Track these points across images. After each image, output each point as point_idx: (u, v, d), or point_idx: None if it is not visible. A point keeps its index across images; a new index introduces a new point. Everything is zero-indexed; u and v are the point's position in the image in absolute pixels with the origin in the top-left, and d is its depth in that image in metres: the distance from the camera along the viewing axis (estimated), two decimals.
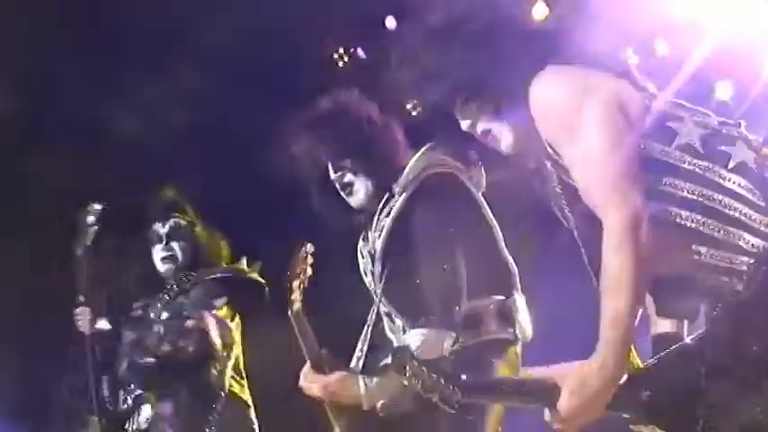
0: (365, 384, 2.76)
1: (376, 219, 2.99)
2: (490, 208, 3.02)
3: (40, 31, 4.98)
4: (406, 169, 2.96)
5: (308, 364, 2.84)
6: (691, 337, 2.21)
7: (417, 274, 2.84)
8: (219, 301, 3.99)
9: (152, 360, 3.88)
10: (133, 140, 5.05)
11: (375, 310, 2.96)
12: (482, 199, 3.01)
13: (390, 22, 5.54)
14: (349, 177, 3.00)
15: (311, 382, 2.81)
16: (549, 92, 2.16)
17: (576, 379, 2.04)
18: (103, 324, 3.90)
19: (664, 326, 2.37)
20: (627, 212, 2.03)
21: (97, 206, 4.01)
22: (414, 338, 2.75)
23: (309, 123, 3.06)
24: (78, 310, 3.89)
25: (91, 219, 3.97)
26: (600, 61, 2.21)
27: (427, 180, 2.93)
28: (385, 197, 2.98)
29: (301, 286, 2.84)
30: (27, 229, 5.13)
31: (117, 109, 5.01)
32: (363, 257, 3.10)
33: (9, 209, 5.17)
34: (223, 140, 5.24)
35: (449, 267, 2.81)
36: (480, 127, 2.30)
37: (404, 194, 2.93)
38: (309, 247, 2.87)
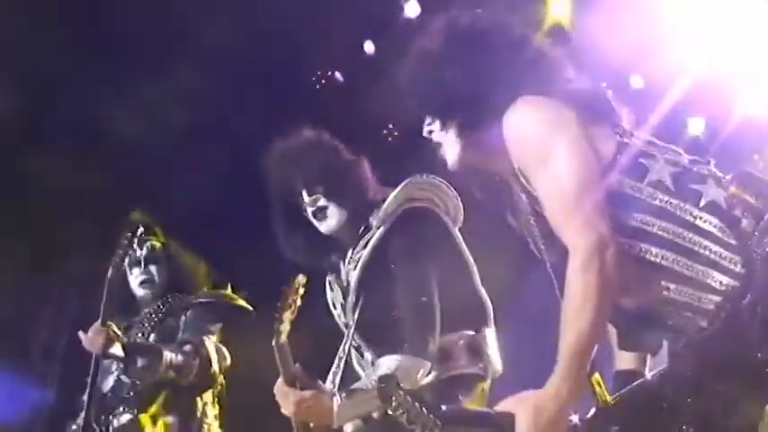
0: (338, 402, 2.74)
1: (350, 252, 3.02)
2: (466, 242, 3.05)
3: (40, 30, 5.00)
4: (386, 203, 2.98)
5: (280, 380, 2.82)
6: (652, 372, 2.24)
7: (393, 306, 2.86)
8: (215, 327, 4.00)
9: (148, 383, 3.87)
10: (131, 144, 5.09)
11: (347, 342, 2.97)
12: (458, 234, 3.05)
13: (369, 47, 5.67)
14: (323, 202, 3.02)
15: (284, 396, 2.78)
16: (521, 122, 2.19)
17: (531, 407, 2.05)
18: (117, 349, 3.78)
19: (627, 361, 2.39)
20: (593, 238, 2.05)
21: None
22: (389, 364, 2.76)
23: (284, 152, 3.12)
24: (93, 329, 3.77)
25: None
26: (574, 94, 2.25)
27: (405, 213, 2.96)
28: (361, 230, 3.01)
29: (291, 318, 2.80)
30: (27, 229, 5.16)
31: (115, 110, 5.05)
32: (333, 290, 3.13)
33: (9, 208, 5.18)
34: (196, 168, 5.26)
35: (425, 299, 2.84)
36: (435, 138, 2.37)
37: (381, 228, 2.96)
38: (302, 279, 2.83)
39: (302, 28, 5.21)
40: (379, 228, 2.97)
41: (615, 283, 2.07)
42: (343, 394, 2.77)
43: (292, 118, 3.22)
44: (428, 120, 2.39)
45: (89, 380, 3.76)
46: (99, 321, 3.75)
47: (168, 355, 3.81)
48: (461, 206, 3.08)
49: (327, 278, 3.15)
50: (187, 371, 3.83)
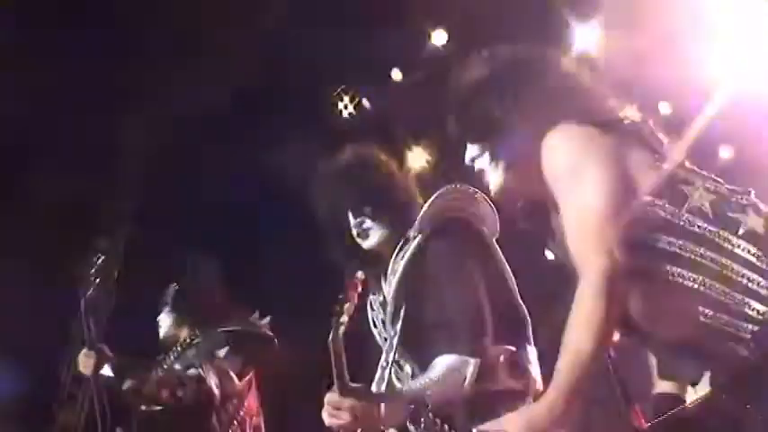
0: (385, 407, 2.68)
1: (390, 266, 3.04)
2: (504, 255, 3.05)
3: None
4: (421, 213, 3.00)
5: (334, 391, 2.72)
6: (693, 401, 2.21)
7: (438, 311, 2.85)
8: (222, 351, 4.01)
9: (152, 407, 3.89)
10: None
11: (391, 353, 2.93)
12: (495, 244, 3.06)
13: (396, 75, 5.69)
14: (368, 224, 3.07)
15: (338, 404, 2.68)
16: (557, 146, 2.22)
17: (523, 420, 2.08)
18: (107, 371, 3.83)
19: (668, 385, 2.38)
20: (607, 264, 2.07)
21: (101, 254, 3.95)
22: (445, 362, 2.75)
23: (333, 172, 3.16)
24: (83, 354, 3.82)
25: (94, 268, 3.90)
26: (615, 122, 2.28)
27: (443, 222, 2.98)
28: (399, 244, 3.04)
29: (351, 312, 2.77)
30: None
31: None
32: (374, 309, 3.14)
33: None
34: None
35: (474, 300, 2.84)
36: (478, 164, 2.42)
37: (419, 237, 2.98)
38: (361, 275, 2.84)
39: (328, 56, 5.25)
40: (416, 238, 2.99)
41: (621, 311, 2.09)
42: (389, 395, 2.74)
43: (318, 146, 3.23)
44: (471, 147, 2.42)
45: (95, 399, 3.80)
46: (86, 347, 3.79)
47: (156, 375, 3.88)
48: (497, 217, 3.08)
49: (369, 299, 3.15)
50: (180, 393, 3.82)
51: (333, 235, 3.16)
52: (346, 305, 2.74)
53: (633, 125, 2.31)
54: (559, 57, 2.43)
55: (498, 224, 3.10)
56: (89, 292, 3.84)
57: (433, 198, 3.03)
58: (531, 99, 2.32)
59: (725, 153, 5.23)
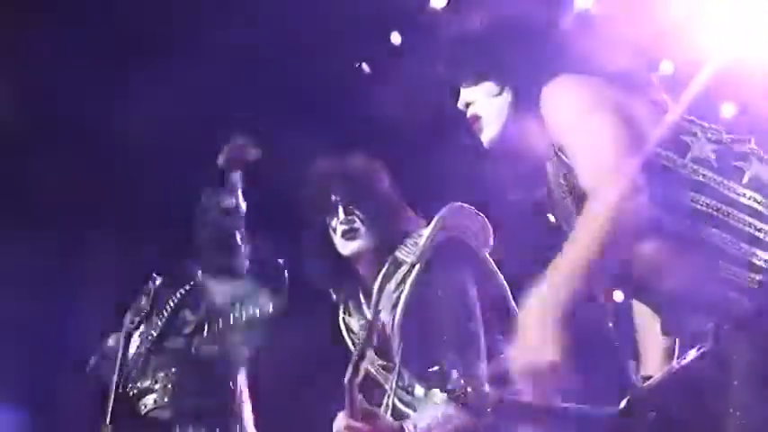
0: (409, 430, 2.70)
1: (377, 288, 2.97)
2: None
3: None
4: (421, 240, 2.95)
5: (343, 415, 2.70)
6: (690, 355, 2.20)
7: (439, 336, 2.85)
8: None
9: None
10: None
11: (394, 383, 2.92)
12: (488, 257, 3.06)
13: (396, 38, 5.63)
14: (357, 224, 3.02)
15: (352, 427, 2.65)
16: (561, 98, 2.20)
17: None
18: None
19: (652, 368, 2.39)
20: (624, 183, 2.00)
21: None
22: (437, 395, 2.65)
23: (331, 166, 3.13)
24: None
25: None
26: (615, 74, 2.25)
27: (438, 245, 2.94)
28: (387, 263, 2.98)
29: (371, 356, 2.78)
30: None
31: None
32: (354, 332, 3.09)
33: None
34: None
35: (472, 324, 2.85)
36: (474, 110, 2.36)
37: (418, 265, 2.93)
38: (380, 319, 2.82)
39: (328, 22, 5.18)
40: (415, 265, 2.93)
41: (632, 239, 2.00)
42: (414, 424, 2.71)
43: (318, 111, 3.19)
44: (465, 91, 2.36)
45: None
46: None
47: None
48: (490, 229, 3.05)
49: (342, 319, 3.11)
50: None
51: (310, 227, 3.12)
52: (366, 348, 2.68)
53: (637, 78, 2.29)
54: (558, 15, 2.39)
55: (491, 238, 3.07)
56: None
57: (433, 222, 2.97)
58: (534, 47, 2.29)
59: (727, 110, 5.21)
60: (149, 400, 3.91)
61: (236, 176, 4.02)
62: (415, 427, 2.70)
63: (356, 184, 3.05)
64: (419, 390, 2.92)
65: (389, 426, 2.70)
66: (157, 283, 4.09)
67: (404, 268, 2.95)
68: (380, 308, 2.95)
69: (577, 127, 2.15)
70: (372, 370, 3.01)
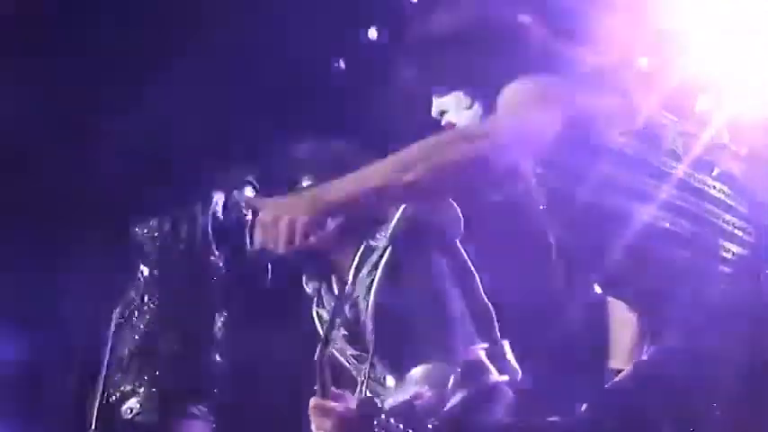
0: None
1: (352, 276, 2.94)
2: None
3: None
4: (392, 224, 2.93)
5: (317, 398, 2.62)
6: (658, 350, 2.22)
7: (413, 322, 2.81)
8: None
9: None
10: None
11: (367, 370, 2.89)
12: (459, 245, 3.02)
13: (372, 33, 5.59)
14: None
15: (325, 413, 2.58)
16: (506, 94, 2.17)
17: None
18: None
19: (621, 361, 2.42)
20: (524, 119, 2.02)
21: None
22: (420, 374, 2.72)
23: (297, 155, 3.09)
24: None
25: None
26: (583, 74, 2.25)
27: (408, 229, 2.91)
28: (360, 251, 2.95)
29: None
30: None
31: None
32: (325, 320, 3.04)
33: None
34: None
35: (447, 308, 2.82)
36: (448, 117, 2.36)
37: (390, 247, 2.90)
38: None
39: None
40: (387, 248, 2.90)
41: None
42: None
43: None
44: (438, 101, 2.36)
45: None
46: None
47: None
48: (461, 218, 3.01)
49: (316, 312, 3.08)
50: None
51: None
52: (334, 331, 2.68)
53: (604, 73, 2.28)
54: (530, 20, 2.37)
55: (462, 226, 3.04)
56: None
57: (400, 210, 2.95)
58: (505, 55, 2.28)
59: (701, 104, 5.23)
60: (134, 403, 3.88)
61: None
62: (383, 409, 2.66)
63: (324, 172, 2.90)
64: (390, 380, 2.91)
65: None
66: (146, 274, 4.08)
67: (375, 254, 2.92)
68: (356, 295, 2.93)
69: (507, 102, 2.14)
70: (344, 360, 3.00)
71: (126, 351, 3.92)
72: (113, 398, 3.84)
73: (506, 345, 2.98)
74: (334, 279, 3.06)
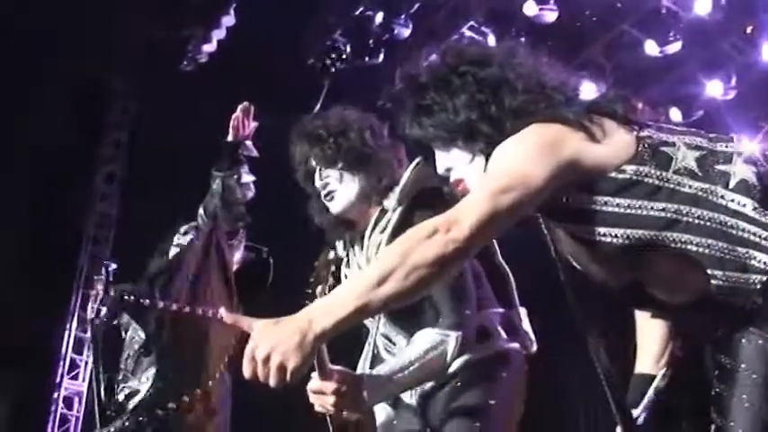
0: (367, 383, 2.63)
1: (367, 238, 2.97)
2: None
3: None
4: (399, 185, 2.94)
5: (316, 376, 2.59)
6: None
7: None
8: None
9: None
10: None
11: (375, 330, 2.93)
12: None
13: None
14: (333, 185, 3.00)
15: (322, 390, 2.56)
16: (506, 146, 2.15)
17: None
18: None
19: (646, 366, 2.40)
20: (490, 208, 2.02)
21: None
22: (424, 338, 2.72)
23: (309, 126, 3.08)
24: None
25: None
26: (585, 107, 2.22)
27: (421, 194, 2.92)
28: (375, 214, 2.97)
29: (324, 294, 2.73)
30: None
31: None
32: None
33: None
34: None
35: (457, 273, 2.74)
36: (455, 174, 2.34)
37: (399, 209, 2.92)
38: (332, 254, 2.81)
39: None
40: (395, 210, 2.92)
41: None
42: (370, 374, 2.69)
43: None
44: (441, 155, 2.34)
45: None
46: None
47: None
48: None
49: (342, 271, 3.06)
50: None
51: (309, 191, 3.12)
52: (318, 288, 2.69)
53: (607, 101, 2.26)
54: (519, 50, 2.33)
55: None
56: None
57: (411, 168, 2.96)
58: (504, 99, 2.24)
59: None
60: (139, 399, 3.92)
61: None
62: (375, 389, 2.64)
63: (327, 143, 3.01)
64: (399, 339, 2.91)
65: (354, 388, 2.58)
66: (111, 269, 4.11)
67: (388, 215, 2.93)
68: (368, 256, 2.94)
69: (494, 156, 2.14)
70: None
71: (131, 350, 4.00)
72: (121, 396, 3.92)
73: (523, 312, 2.97)
74: (357, 240, 3.04)
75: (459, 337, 2.71)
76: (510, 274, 3.00)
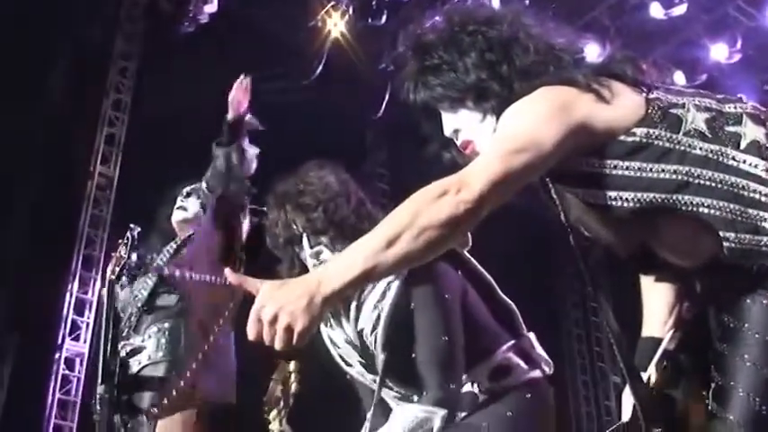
0: None
1: (354, 304, 2.91)
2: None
3: None
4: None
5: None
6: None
7: (416, 351, 2.79)
8: None
9: None
10: None
11: (378, 397, 2.87)
12: (468, 255, 2.98)
13: None
14: (325, 255, 2.94)
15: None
16: (517, 107, 2.12)
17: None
18: None
19: (654, 329, 2.38)
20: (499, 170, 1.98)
21: None
22: (405, 414, 2.72)
23: (289, 193, 3.02)
24: None
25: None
26: (593, 69, 2.19)
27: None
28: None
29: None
30: None
31: None
32: (339, 347, 3.00)
33: None
34: None
35: (446, 338, 2.77)
36: (463, 136, 2.29)
37: (397, 281, 2.85)
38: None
39: None
40: (394, 281, 2.85)
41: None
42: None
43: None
44: (452, 113, 2.29)
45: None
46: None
47: None
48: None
49: (327, 333, 3.01)
50: None
51: (286, 254, 3.03)
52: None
53: (615, 63, 2.22)
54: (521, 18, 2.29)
55: (470, 238, 2.95)
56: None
57: None
58: (514, 59, 2.20)
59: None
60: (143, 356, 3.92)
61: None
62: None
63: (320, 212, 2.95)
64: (415, 397, 2.85)
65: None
66: (135, 233, 4.10)
67: (382, 283, 2.86)
68: (360, 328, 2.89)
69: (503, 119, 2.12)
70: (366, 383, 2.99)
71: (134, 308, 4.01)
72: (123, 353, 3.92)
73: (532, 336, 2.97)
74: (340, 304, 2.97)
75: (445, 415, 2.69)
76: (513, 306, 2.98)
